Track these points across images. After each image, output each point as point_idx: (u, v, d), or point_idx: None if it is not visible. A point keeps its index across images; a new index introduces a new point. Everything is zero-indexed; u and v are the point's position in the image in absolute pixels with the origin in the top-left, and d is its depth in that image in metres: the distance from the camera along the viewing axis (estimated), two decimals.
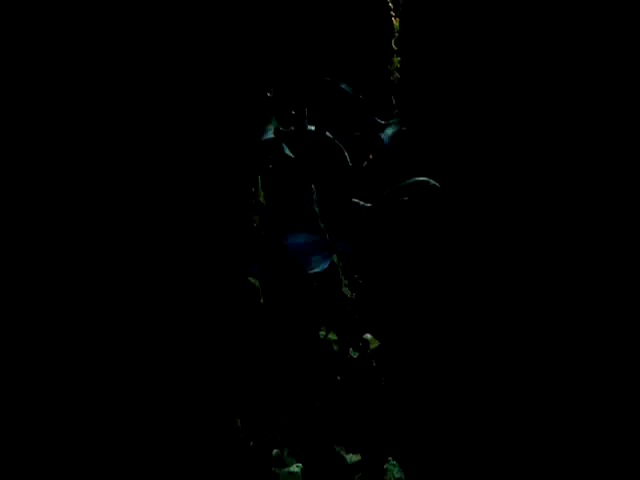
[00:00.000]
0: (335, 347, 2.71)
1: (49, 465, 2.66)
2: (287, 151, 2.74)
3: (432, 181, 2.75)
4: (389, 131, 2.96)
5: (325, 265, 2.66)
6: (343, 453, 2.71)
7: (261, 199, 2.93)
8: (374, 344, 2.78)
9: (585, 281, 2.92)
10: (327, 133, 2.83)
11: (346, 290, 2.77)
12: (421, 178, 2.74)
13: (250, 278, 2.87)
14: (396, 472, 2.67)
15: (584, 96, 3.00)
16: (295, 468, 2.71)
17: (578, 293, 2.93)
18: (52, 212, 2.71)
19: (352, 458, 2.70)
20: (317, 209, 2.81)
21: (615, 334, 2.87)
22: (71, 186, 2.66)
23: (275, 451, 2.74)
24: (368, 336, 2.80)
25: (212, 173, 2.88)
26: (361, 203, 2.70)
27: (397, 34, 3.42)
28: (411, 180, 2.74)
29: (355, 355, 2.77)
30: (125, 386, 2.79)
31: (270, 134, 2.75)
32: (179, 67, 2.77)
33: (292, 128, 2.83)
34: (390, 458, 2.71)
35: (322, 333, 2.78)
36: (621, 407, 2.82)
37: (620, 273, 2.89)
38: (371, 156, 3.33)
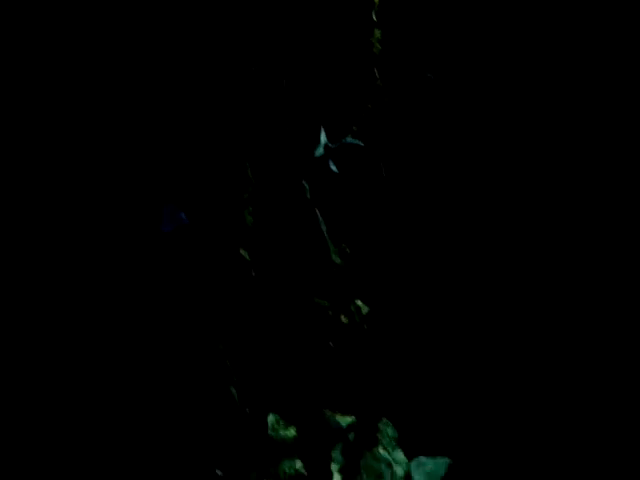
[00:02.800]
0: (330, 312, 2.77)
1: (49, 465, 2.70)
2: (333, 167, 2.79)
3: None
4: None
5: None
6: (338, 416, 2.78)
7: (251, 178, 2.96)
8: (365, 310, 2.85)
9: (585, 281, 2.94)
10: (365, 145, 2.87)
11: (335, 257, 2.83)
12: None
13: (241, 250, 2.92)
14: (390, 431, 2.75)
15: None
16: (290, 432, 2.77)
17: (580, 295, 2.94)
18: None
19: (346, 420, 2.78)
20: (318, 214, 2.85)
21: (614, 333, 2.89)
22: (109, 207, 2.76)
23: (270, 417, 2.80)
24: (359, 302, 2.87)
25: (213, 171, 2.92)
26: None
27: (377, 3, 3.44)
28: None
29: (345, 321, 2.84)
30: (116, 361, 2.84)
31: (321, 150, 2.82)
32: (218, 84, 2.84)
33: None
34: (384, 418, 2.78)
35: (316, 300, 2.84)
36: (619, 402, 2.84)
37: (619, 272, 2.91)
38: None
